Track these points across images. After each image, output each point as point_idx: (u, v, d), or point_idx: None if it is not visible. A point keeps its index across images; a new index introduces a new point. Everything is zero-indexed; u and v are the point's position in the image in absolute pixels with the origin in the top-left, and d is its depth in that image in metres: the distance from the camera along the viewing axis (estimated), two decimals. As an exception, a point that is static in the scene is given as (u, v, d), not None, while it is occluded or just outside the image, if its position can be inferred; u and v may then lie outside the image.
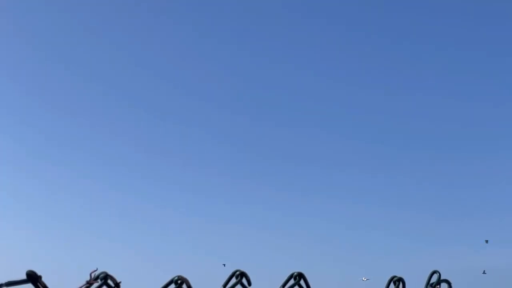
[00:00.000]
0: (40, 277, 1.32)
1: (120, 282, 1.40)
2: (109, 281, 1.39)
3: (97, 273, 1.38)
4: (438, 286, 1.69)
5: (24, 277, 1.31)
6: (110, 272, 1.41)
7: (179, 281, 1.45)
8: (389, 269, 1.73)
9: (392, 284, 1.68)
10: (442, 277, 1.70)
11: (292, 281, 1.59)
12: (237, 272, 1.54)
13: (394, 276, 1.69)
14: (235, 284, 1.53)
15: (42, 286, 1.32)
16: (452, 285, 1.70)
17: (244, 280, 1.54)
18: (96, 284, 1.37)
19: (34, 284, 1.31)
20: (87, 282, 1.37)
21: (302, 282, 1.60)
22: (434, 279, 1.70)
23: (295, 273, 1.60)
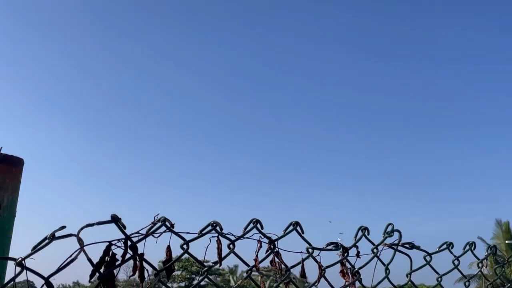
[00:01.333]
0: (120, 219, 1.73)
1: (174, 224, 1.85)
2: (167, 223, 1.83)
3: (158, 216, 1.81)
4: (392, 233, 2.28)
5: (109, 219, 1.72)
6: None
7: (214, 224, 1.92)
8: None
9: (359, 232, 2.25)
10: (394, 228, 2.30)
11: (291, 228, 2.10)
12: (254, 220, 2.03)
13: (362, 226, 2.26)
14: (252, 228, 2.02)
15: (122, 225, 1.74)
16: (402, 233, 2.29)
17: (258, 226, 2.03)
18: (158, 224, 1.80)
19: (116, 223, 1.73)
20: (152, 223, 1.80)
21: (298, 229, 2.12)
22: (389, 229, 2.29)
23: (293, 222, 2.11)
